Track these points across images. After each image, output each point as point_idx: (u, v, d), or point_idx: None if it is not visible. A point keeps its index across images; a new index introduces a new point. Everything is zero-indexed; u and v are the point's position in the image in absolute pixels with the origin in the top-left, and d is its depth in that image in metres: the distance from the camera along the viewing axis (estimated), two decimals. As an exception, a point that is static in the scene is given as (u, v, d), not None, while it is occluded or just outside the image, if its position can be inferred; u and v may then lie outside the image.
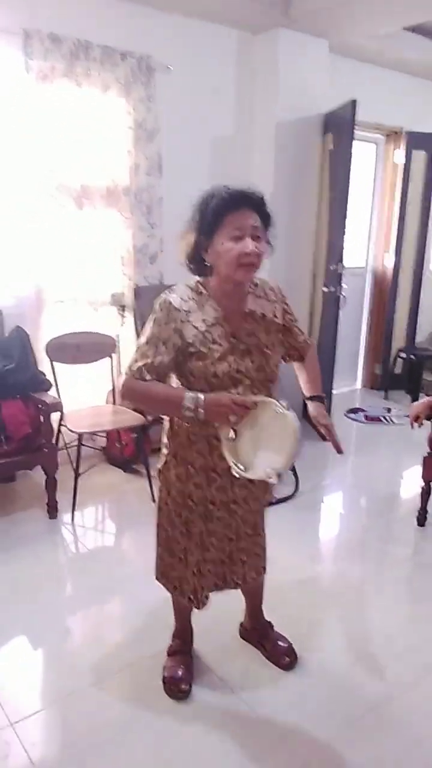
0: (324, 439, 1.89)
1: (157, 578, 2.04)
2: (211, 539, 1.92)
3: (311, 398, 1.96)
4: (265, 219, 1.69)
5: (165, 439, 1.88)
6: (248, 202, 1.66)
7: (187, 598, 1.97)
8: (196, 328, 1.70)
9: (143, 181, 3.49)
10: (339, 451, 1.82)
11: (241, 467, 1.64)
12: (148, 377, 1.66)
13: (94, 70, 3.17)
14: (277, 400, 1.60)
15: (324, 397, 1.99)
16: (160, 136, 3.51)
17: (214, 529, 1.91)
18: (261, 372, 1.75)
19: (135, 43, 3.35)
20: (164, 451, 1.89)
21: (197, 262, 1.72)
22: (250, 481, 1.76)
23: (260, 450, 1.63)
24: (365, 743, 1.88)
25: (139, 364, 1.67)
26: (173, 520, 1.91)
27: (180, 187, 3.77)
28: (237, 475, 1.66)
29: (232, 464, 1.65)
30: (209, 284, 1.74)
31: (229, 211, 1.63)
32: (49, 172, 3.17)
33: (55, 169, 3.19)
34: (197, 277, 1.76)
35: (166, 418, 1.88)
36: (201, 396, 1.62)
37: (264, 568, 2.13)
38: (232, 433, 1.65)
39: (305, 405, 1.98)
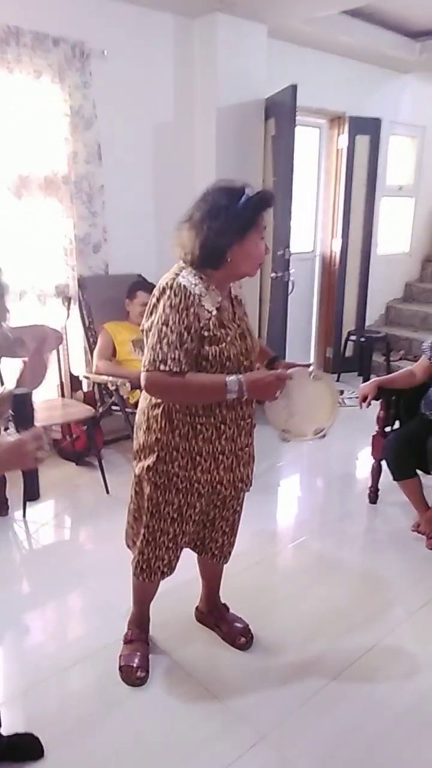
0: None
1: (135, 575, 2.01)
2: (204, 514, 1.97)
3: (275, 358, 2.01)
4: None
5: (155, 436, 1.80)
6: (271, 202, 1.74)
7: (167, 571, 1.99)
8: (209, 312, 1.70)
9: (82, 170, 3.42)
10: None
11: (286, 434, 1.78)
12: (185, 368, 1.63)
13: (26, 56, 3.09)
14: (308, 369, 1.78)
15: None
16: (98, 123, 3.45)
17: (215, 510, 1.99)
18: (252, 352, 1.82)
19: (68, 29, 3.28)
20: (155, 448, 1.81)
21: (213, 256, 1.69)
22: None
23: (295, 416, 1.78)
24: (323, 715, 1.91)
25: (170, 357, 1.62)
26: (160, 511, 1.87)
27: (121, 174, 3.75)
28: (285, 441, 1.79)
29: (278, 433, 1.79)
30: (208, 273, 1.73)
31: (261, 211, 1.71)
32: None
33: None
34: (182, 266, 1.73)
35: (145, 416, 1.83)
36: (242, 377, 1.65)
37: (228, 554, 2.17)
38: (267, 404, 1.77)
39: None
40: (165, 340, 1.63)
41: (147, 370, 1.66)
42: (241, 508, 2.10)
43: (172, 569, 2.00)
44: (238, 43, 3.94)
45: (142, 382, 1.70)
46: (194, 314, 1.66)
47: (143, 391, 1.83)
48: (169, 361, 1.63)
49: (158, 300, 1.69)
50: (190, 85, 4.00)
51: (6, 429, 1.46)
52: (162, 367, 1.63)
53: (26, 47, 3.08)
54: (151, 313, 1.71)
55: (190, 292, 1.67)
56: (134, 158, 3.83)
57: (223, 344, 1.71)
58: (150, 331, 1.69)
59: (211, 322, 1.69)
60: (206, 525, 2.04)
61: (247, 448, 1.91)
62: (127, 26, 3.62)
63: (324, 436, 1.79)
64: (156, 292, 1.71)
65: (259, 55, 4.07)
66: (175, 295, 1.65)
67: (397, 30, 4.78)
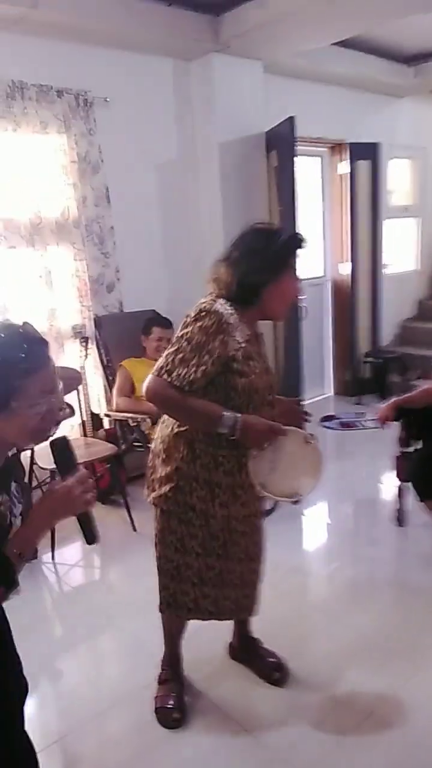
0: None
1: (161, 611, 2.00)
2: (232, 553, 1.92)
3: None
4: None
5: (176, 465, 1.81)
6: (303, 244, 1.80)
7: (207, 612, 1.96)
8: (239, 343, 1.73)
9: (92, 213, 3.51)
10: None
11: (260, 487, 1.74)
12: (186, 387, 1.65)
13: (32, 109, 3.20)
14: (305, 432, 1.76)
15: None
16: (105, 167, 3.55)
17: (237, 541, 1.92)
18: (275, 388, 1.87)
19: (71, 80, 3.40)
20: (174, 477, 1.82)
21: (248, 293, 1.75)
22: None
23: (277, 473, 1.73)
24: (363, 751, 1.86)
25: (179, 372, 1.65)
26: (185, 545, 1.87)
27: (130, 214, 3.83)
28: (258, 493, 1.75)
29: (256, 483, 1.72)
30: (240, 309, 1.76)
31: (295, 251, 1.79)
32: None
33: (2, 210, 3.19)
34: (209, 299, 1.75)
35: (165, 445, 1.84)
36: (239, 417, 1.66)
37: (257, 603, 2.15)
38: (255, 453, 1.73)
39: None
40: (181, 355, 1.67)
41: (153, 374, 1.69)
42: (261, 552, 2.07)
43: (200, 611, 1.95)
44: (235, 81, 4.05)
45: (144, 384, 1.72)
46: (223, 342, 1.68)
47: (162, 420, 1.85)
48: (174, 374, 1.65)
49: (193, 320, 1.71)
50: (191, 124, 4.10)
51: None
52: (166, 377, 1.66)
53: (31, 100, 3.20)
54: (181, 329, 1.73)
55: (225, 321, 1.69)
56: (141, 198, 3.92)
57: (252, 376, 1.74)
58: (173, 342, 1.72)
59: (239, 354, 1.72)
60: (237, 585, 1.99)
61: None
62: (128, 73, 3.74)
63: (298, 502, 1.76)
64: (192, 312, 1.72)
65: (257, 90, 4.18)
66: (207, 318, 1.68)
67: (389, 56, 4.88)
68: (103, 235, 3.60)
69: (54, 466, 1.32)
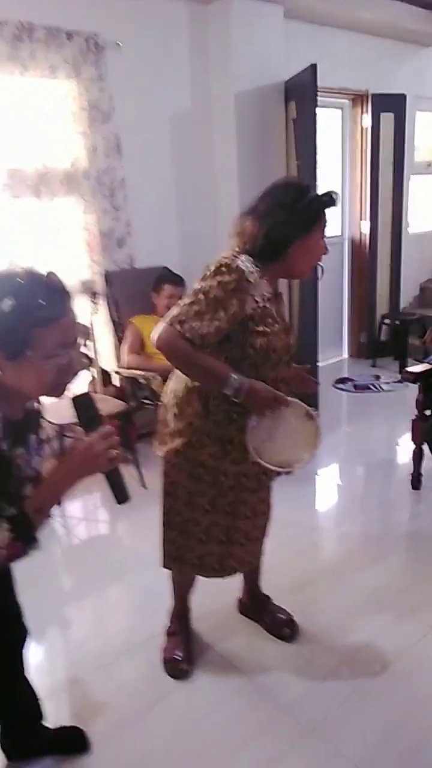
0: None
1: (166, 566, 1.99)
2: (240, 512, 1.90)
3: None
4: None
5: (189, 420, 1.77)
6: (336, 202, 1.74)
7: (211, 570, 1.95)
8: (257, 302, 1.67)
9: (102, 164, 3.40)
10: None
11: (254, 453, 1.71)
12: (197, 342, 1.60)
13: (40, 52, 3.07)
14: (307, 407, 1.73)
15: None
16: (116, 116, 3.43)
17: (245, 499, 1.89)
18: (292, 349, 1.82)
19: (81, 22, 3.26)
20: (186, 432, 1.78)
21: (275, 247, 1.68)
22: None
23: (273, 442, 1.71)
24: (371, 706, 1.84)
25: (193, 324, 1.59)
26: (194, 501, 1.85)
27: (142, 166, 3.72)
28: (251, 458, 1.70)
29: (250, 448, 1.69)
30: (264, 265, 1.70)
31: (326, 209, 1.72)
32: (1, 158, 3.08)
33: (8, 159, 3.09)
34: (231, 254, 1.67)
35: (177, 399, 1.80)
36: (246, 381, 1.62)
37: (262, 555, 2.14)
38: (253, 420, 1.69)
39: None
40: (196, 308, 1.60)
41: (165, 323, 1.64)
42: (269, 509, 2.05)
43: (204, 568, 1.94)
44: (254, 26, 3.86)
45: (155, 331, 1.66)
46: (241, 300, 1.62)
47: (175, 374, 1.80)
48: (187, 326, 1.60)
49: (212, 273, 1.63)
50: (206, 72, 3.94)
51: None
52: (178, 327, 1.60)
53: (40, 42, 3.07)
54: (200, 281, 1.66)
55: (245, 278, 1.63)
56: (154, 149, 3.79)
57: (270, 336, 1.70)
58: (189, 293, 1.66)
59: (257, 313, 1.66)
60: (242, 543, 1.96)
61: None
62: (141, 16, 3.58)
63: (289, 473, 1.75)
64: (212, 266, 1.65)
65: (276, 36, 3.99)
66: (228, 274, 1.61)
67: (416, 2, 4.63)
68: (114, 187, 3.50)
69: (77, 421, 1.27)
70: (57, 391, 1.22)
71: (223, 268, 1.62)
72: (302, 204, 1.68)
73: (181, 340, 1.60)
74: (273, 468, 1.70)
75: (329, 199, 1.71)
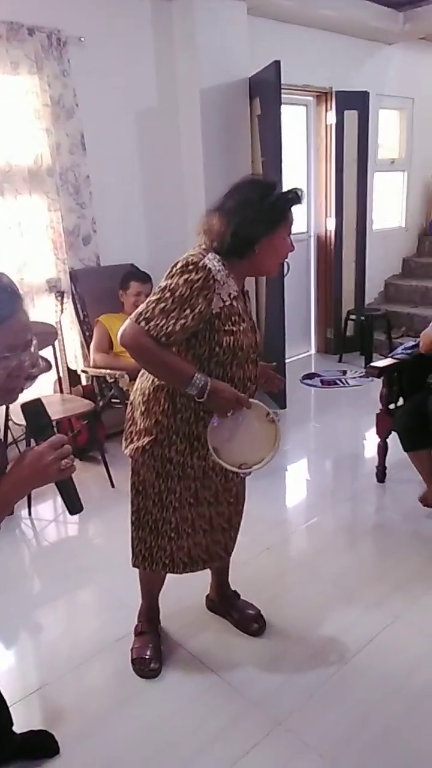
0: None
1: (135, 565, 1.99)
2: (202, 499, 1.90)
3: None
4: None
5: (156, 418, 1.77)
6: (301, 200, 1.74)
7: (181, 565, 1.96)
8: (223, 301, 1.68)
9: (67, 161, 3.37)
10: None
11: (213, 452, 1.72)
12: (163, 340, 1.60)
13: (1, 48, 3.02)
14: (269, 409, 1.75)
15: None
16: (80, 112, 3.39)
17: (208, 485, 1.89)
18: (259, 347, 1.83)
19: (43, 17, 3.21)
20: (154, 430, 1.78)
21: (242, 245, 1.68)
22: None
23: (233, 442, 1.73)
24: (339, 698, 1.88)
25: (158, 322, 1.59)
26: (163, 500, 1.86)
27: (107, 163, 3.69)
28: (210, 458, 1.73)
29: (210, 446, 1.70)
30: (231, 262, 1.71)
31: (292, 206, 1.72)
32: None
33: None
34: (198, 251, 1.68)
35: (144, 397, 1.80)
36: (209, 381, 1.63)
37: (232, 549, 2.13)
38: (216, 420, 1.71)
39: None
40: (162, 305, 1.61)
41: (131, 319, 1.64)
42: (236, 501, 2.04)
43: (175, 564, 1.95)
44: (218, 22, 3.86)
45: (121, 328, 1.66)
46: (207, 299, 1.63)
47: (142, 372, 1.82)
48: (152, 323, 1.60)
49: (179, 271, 1.63)
50: (171, 68, 3.92)
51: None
52: (144, 324, 1.61)
53: (1, 38, 3.02)
54: (166, 278, 1.66)
55: (213, 276, 1.64)
56: (119, 146, 3.77)
57: (238, 334, 1.71)
58: (155, 290, 1.66)
59: (224, 311, 1.68)
60: (205, 530, 1.97)
61: None
62: (104, 11, 3.55)
63: (247, 474, 1.78)
64: (179, 263, 1.65)
65: (240, 33, 3.99)
66: (196, 273, 1.62)
67: (379, 0, 4.68)
68: (79, 184, 3.46)
69: (27, 429, 1.24)
70: (8, 397, 1.17)
71: (190, 266, 1.63)
72: (269, 201, 1.69)
73: (146, 337, 1.61)
74: (231, 468, 1.72)
75: (295, 197, 1.73)
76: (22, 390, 1.18)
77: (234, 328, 1.70)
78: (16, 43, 3.09)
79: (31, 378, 1.18)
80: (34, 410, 1.22)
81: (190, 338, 1.67)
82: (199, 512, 1.92)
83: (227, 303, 1.69)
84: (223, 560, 2.13)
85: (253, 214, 1.66)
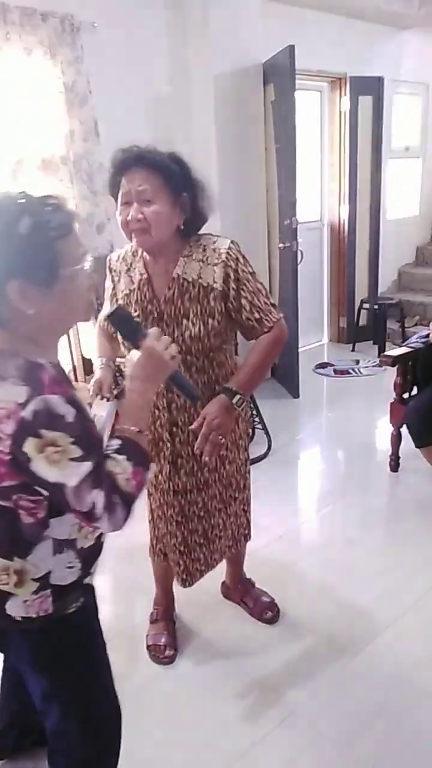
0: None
1: (151, 556, 2.04)
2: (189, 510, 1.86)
3: (223, 388, 1.65)
4: (172, 176, 1.60)
5: None
6: (136, 162, 1.58)
7: (198, 573, 1.96)
8: (121, 291, 1.72)
9: (80, 148, 3.34)
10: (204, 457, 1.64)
11: None
12: (102, 323, 1.77)
13: (14, 34, 3.00)
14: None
15: (237, 392, 1.62)
16: (93, 99, 3.36)
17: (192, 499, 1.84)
18: (196, 342, 1.63)
19: (56, 3, 3.18)
20: None
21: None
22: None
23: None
24: (352, 687, 1.89)
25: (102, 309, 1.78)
26: (165, 515, 1.89)
27: (120, 151, 3.65)
28: None
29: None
30: None
31: (119, 177, 1.59)
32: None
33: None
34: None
35: None
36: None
37: (247, 535, 2.08)
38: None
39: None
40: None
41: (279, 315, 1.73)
42: (237, 491, 1.95)
43: (191, 574, 1.92)
44: (232, 6, 3.80)
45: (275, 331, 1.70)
46: (113, 288, 1.77)
47: None
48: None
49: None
50: (184, 54, 3.87)
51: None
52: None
53: (14, 24, 2.99)
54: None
55: (111, 267, 1.82)
56: (132, 133, 3.63)
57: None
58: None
59: (123, 301, 1.71)
60: (201, 543, 1.90)
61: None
62: (116, -4, 3.51)
63: None
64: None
65: (254, 17, 3.93)
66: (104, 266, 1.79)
67: (396, -17, 4.62)
68: (92, 172, 3.44)
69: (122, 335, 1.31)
70: (90, 310, 1.19)
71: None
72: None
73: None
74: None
75: (114, 165, 1.64)
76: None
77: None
78: (29, 28, 3.06)
79: (93, 289, 1.21)
80: (124, 315, 1.29)
81: None
82: (210, 522, 1.91)
83: (125, 292, 1.71)
84: (234, 550, 2.09)
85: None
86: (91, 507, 1.02)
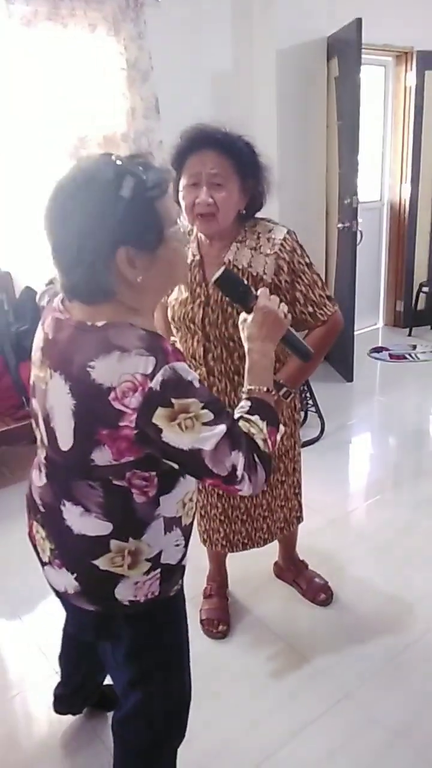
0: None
1: (201, 541, 2.05)
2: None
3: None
4: (243, 162, 1.56)
5: None
6: (209, 143, 1.54)
7: (241, 544, 1.98)
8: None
9: (141, 125, 3.34)
10: None
11: None
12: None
13: (80, 10, 3.00)
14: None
15: (283, 384, 1.65)
16: (155, 76, 3.35)
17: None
18: (237, 330, 1.59)
19: (121, -23, 3.16)
20: None
21: None
22: None
23: None
24: (407, 674, 1.87)
25: None
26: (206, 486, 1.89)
27: (180, 128, 3.60)
28: None
29: None
30: None
31: (188, 155, 1.55)
32: (40, 124, 3.04)
33: (48, 121, 3.06)
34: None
35: None
36: None
37: (299, 517, 2.09)
38: None
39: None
40: None
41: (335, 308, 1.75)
42: (284, 475, 1.96)
43: (233, 545, 1.97)
44: (297, -22, 3.71)
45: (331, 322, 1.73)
46: None
47: None
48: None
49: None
50: (248, 28, 3.80)
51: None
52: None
53: (80, 0, 2.99)
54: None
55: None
56: (192, 110, 3.61)
57: (173, 303, 1.71)
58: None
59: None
60: (264, 516, 1.96)
61: None
62: (181, -30, 3.46)
63: None
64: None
65: (319, -11, 3.83)
66: None
67: None
68: (152, 149, 3.43)
69: (231, 299, 1.28)
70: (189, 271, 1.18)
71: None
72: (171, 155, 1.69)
73: None
74: None
75: (180, 144, 1.64)
76: None
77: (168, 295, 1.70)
78: (94, 5, 3.06)
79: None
80: (232, 277, 1.26)
81: None
82: (253, 501, 1.92)
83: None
84: (285, 533, 2.09)
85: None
86: (231, 470, 1.00)
